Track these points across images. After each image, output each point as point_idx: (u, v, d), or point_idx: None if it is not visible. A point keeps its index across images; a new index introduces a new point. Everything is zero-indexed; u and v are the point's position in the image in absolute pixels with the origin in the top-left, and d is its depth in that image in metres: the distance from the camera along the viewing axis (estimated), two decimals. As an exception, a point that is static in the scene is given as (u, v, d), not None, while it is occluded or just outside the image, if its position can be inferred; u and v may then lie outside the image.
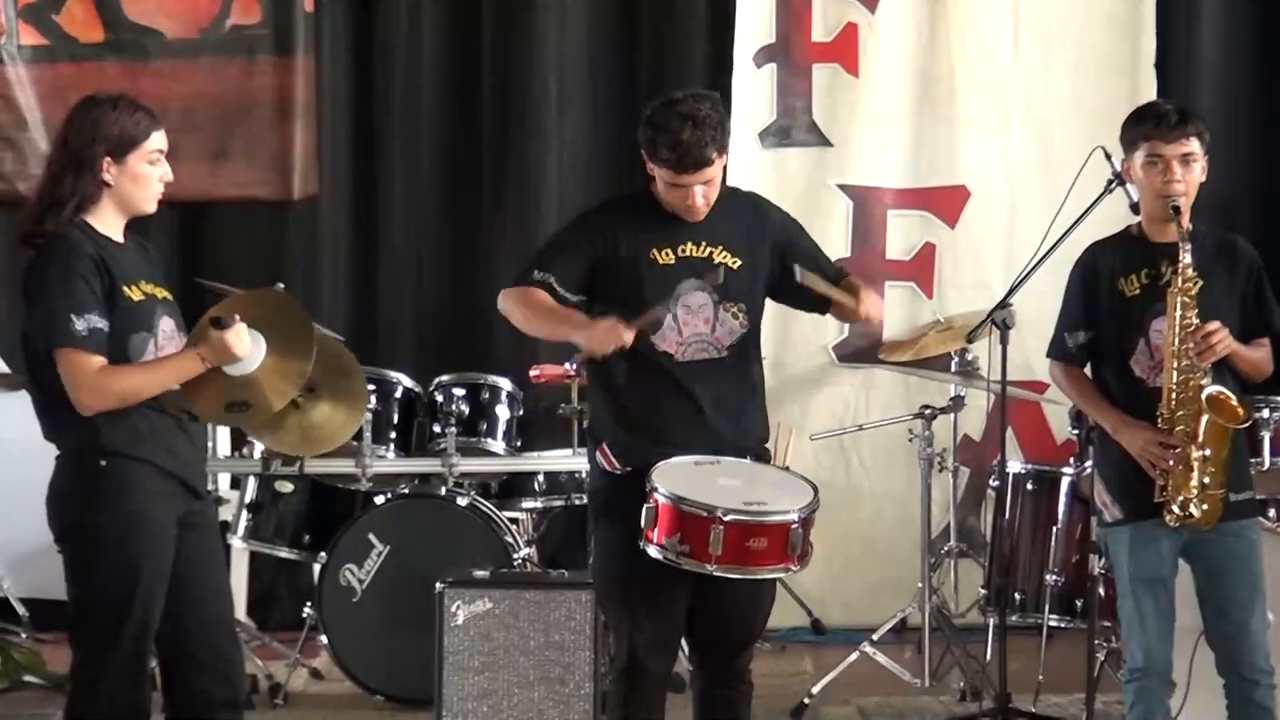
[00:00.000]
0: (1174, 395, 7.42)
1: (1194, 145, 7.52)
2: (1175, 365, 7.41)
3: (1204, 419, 7.36)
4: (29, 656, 10.48)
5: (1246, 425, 7.54)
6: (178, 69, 11.60)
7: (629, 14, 12.01)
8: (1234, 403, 7.40)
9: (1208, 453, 7.37)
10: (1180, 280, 7.39)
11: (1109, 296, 7.63)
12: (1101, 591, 9.21)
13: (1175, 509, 7.41)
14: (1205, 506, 7.40)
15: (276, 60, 11.68)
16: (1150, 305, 7.52)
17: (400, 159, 11.98)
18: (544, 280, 7.36)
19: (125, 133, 6.92)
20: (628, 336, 7.13)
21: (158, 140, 7.00)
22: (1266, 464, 9.52)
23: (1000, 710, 9.34)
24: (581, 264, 7.42)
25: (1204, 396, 7.37)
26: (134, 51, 11.62)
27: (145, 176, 6.98)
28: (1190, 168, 7.51)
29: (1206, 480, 7.38)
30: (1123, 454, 7.57)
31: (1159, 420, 7.45)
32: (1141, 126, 7.61)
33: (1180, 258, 7.39)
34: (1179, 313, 7.38)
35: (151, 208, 7.08)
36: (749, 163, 11.58)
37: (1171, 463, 7.40)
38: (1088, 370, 7.82)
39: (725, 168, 7.48)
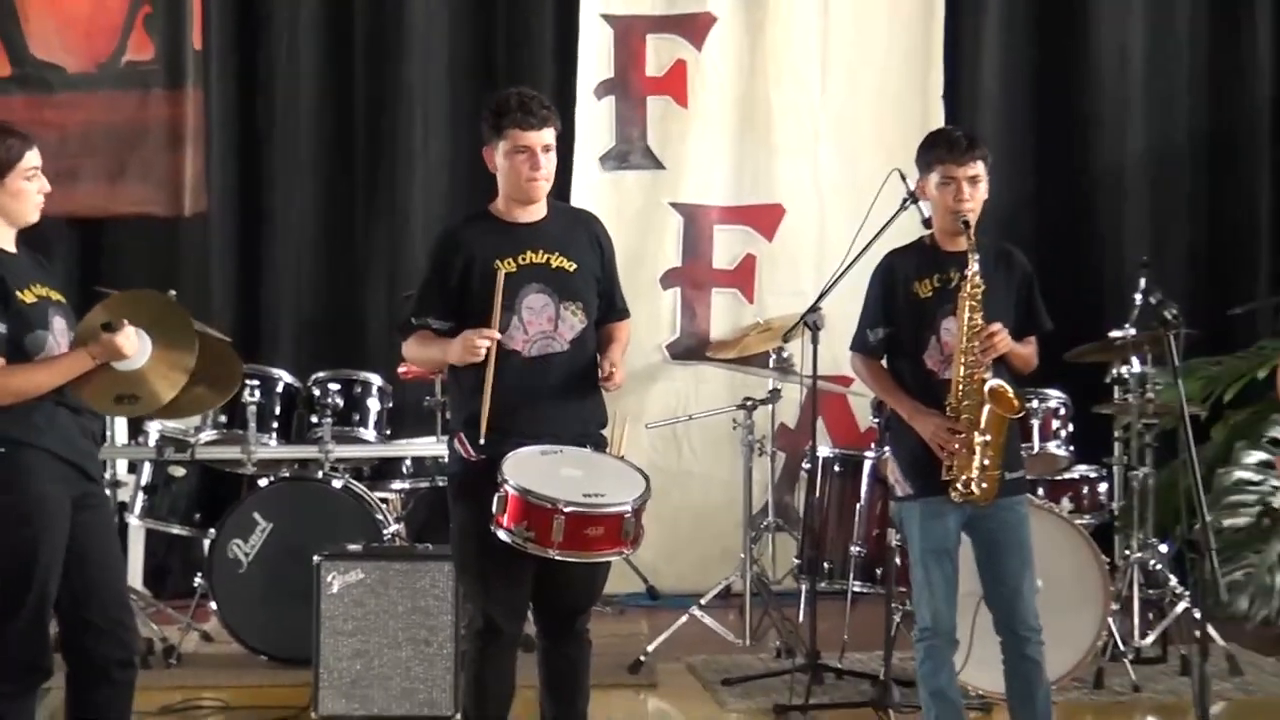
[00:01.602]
0: (961, 387, 7.50)
1: (980, 168, 7.61)
2: (962, 360, 7.49)
3: (986, 409, 7.45)
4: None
5: (1021, 415, 7.63)
6: (79, 100, 11.57)
7: (486, 48, 12.02)
8: (1011, 395, 7.51)
9: (988, 438, 7.46)
10: (969, 286, 7.47)
11: (905, 298, 7.70)
12: (898, 561, 9.28)
13: (959, 487, 7.50)
14: (985, 485, 7.49)
15: (168, 93, 11.65)
16: (941, 307, 7.59)
17: (280, 179, 11.96)
18: (422, 324, 7.50)
19: (2, 159, 6.89)
20: (480, 341, 7.21)
21: (31, 159, 6.96)
22: (1036, 448, 9.59)
23: (810, 665, 9.42)
24: (446, 293, 7.49)
25: (986, 389, 7.47)
26: (38, 85, 11.57)
27: (24, 191, 6.96)
28: (977, 187, 7.60)
29: (986, 462, 7.47)
30: (915, 438, 7.64)
31: (947, 409, 7.52)
32: (935, 151, 7.68)
33: (970, 266, 7.46)
34: (967, 314, 7.47)
35: (34, 218, 7.05)
36: (591, 184, 11.64)
37: (957, 446, 7.48)
38: (885, 363, 7.83)
39: (555, 155, 7.52)
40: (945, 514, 7.61)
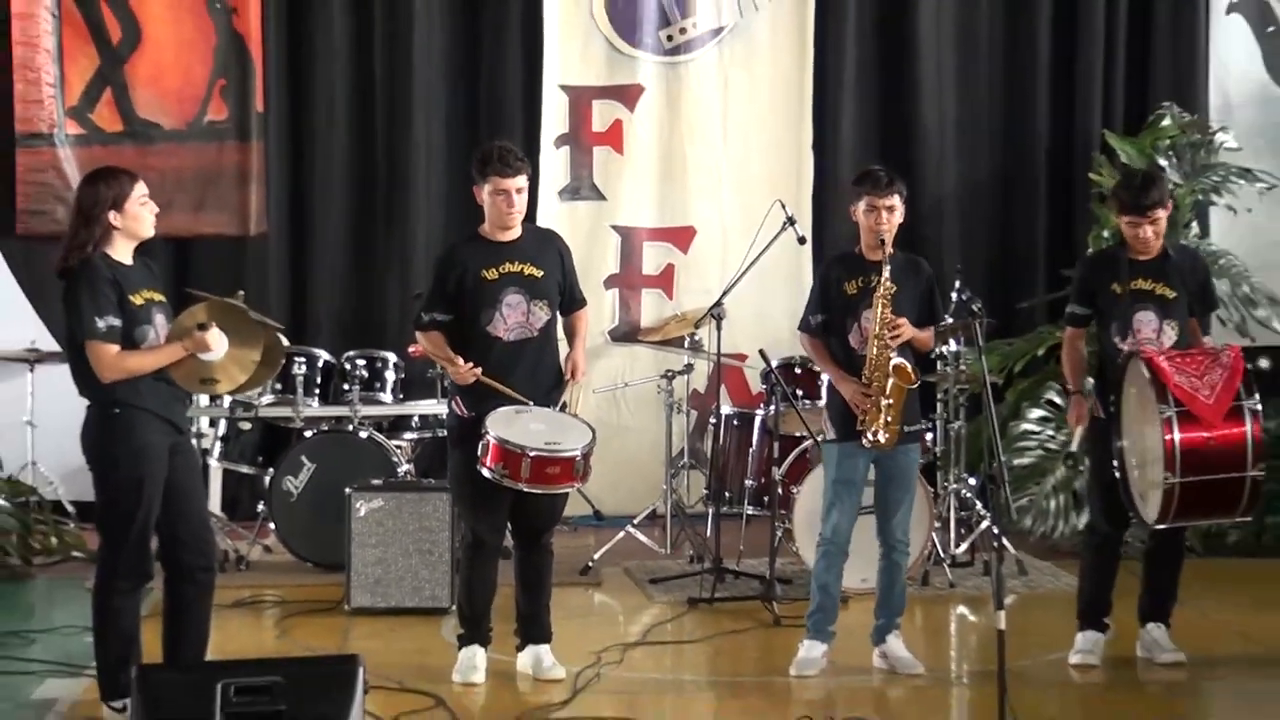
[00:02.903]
0: (873, 363, 7.67)
1: (896, 200, 7.80)
2: (876, 343, 7.67)
3: (890, 380, 7.62)
4: (75, 539, 10.43)
5: (916, 386, 7.76)
6: (172, 150, 11.52)
7: (473, 110, 11.98)
8: (910, 370, 7.71)
9: (891, 401, 7.66)
10: (883, 287, 7.66)
11: (837, 293, 7.85)
12: (780, 491, 9.35)
13: (869, 435, 7.69)
14: (887, 435, 7.68)
15: (238, 144, 11.61)
16: (862, 301, 7.76)
17: (319, 209, 11.91)
18: (430, 320, 7.69)
19: (118, 194, 6.95)
20: (466, 376, 7.52)
21: (140, 189, 7.02)
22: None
23: (715, 568, 9.51)
24: (446, 295, 7.67)
25: (892, 365, 7.68)
26: (143, 138, 11.52)
27: (139, 215, 7.00)
28: (893, 214, 7.80)
29: (889, 419, 7.66)
30: (840, 397, 7.81)
31: (863, 377, 7.70)
32: (864, 185, 7.86)
33: (884, 272, 7.63)
34: (880, 309, 7.65)
35: (150, 233, 7.09)
36: (552, 211, 11.68)
37: (868, 406, 7.65)
38: (823, 341, 7.96)
39: (526, 194, 7.71)
40: (856, 455, 7.80)
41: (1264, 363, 7.39)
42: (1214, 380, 7.39)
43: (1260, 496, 7.57)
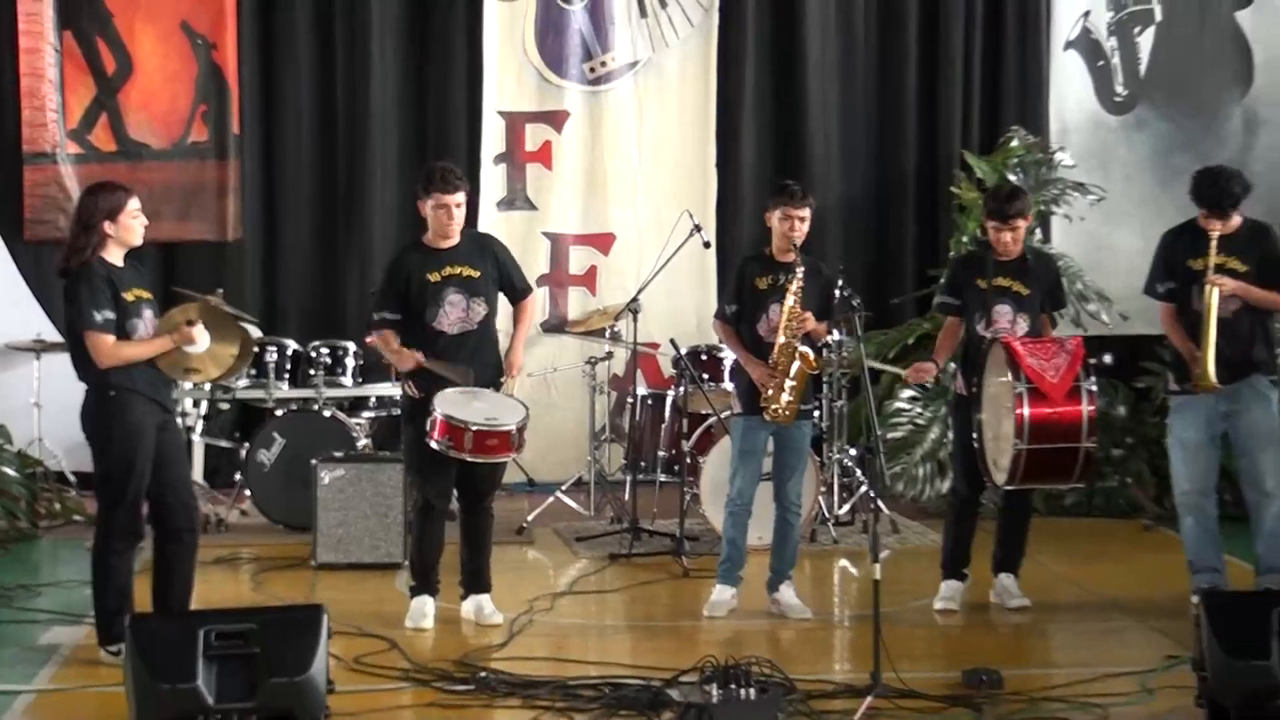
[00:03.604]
0: (780, 349, 7.71)
1: (807, 211, 7.84)
2: (784, 333, 7.71)
3: (795, 365, 7.65)
4: (76, 505, 10.37)
5: (817, 371, 7.83)
6: (159, 166, 11.40)
7: (422, 132, 11.89)
8: (812, 358, 7.77)
9: (794, 383, 7.72)
10: (793, 285, 7.72)
11: (750, 288, 7.91)
12: (688, 461, 9.36)
13: (770, 411, 7.69)
14: (787, 412, 7.76)
15: (217, 162, 11.49)
16: (771, 296, 7.82)
17: (289, 218, 11.82)
18: (382, 319, 7.70)
19: (112, 206, 6.97)
20: (408, 363, 7.55)
21: (134, 204, 7.05)
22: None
23: (632, 528, 9.55)
24: (396, 295, 7.68)
25: (798, 352, 7.67)
26: (134, 156, 11.41)
27: (130, 226, 7.03)
28: (804, 223, 7.83)
29: (790, 398, 7.72)
30: (747, 378, 7.85)
31: (770, 361, 7.73)
32: (780, 197, 7.91)
33: (794, 273, 7.70)
34: (789, 303, 7.71)
35: (139, 242, 7.13)
36: (491, 220, 11.62)
37: (773, 386, 7.69)
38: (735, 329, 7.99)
39: (464, 208, 7.75)
40: (758, 428, 7.85)
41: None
42: (1059, 364, 7.52)
43: (1092, 465, 7.73)
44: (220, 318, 7.23)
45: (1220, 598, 6.55)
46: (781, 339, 7.70)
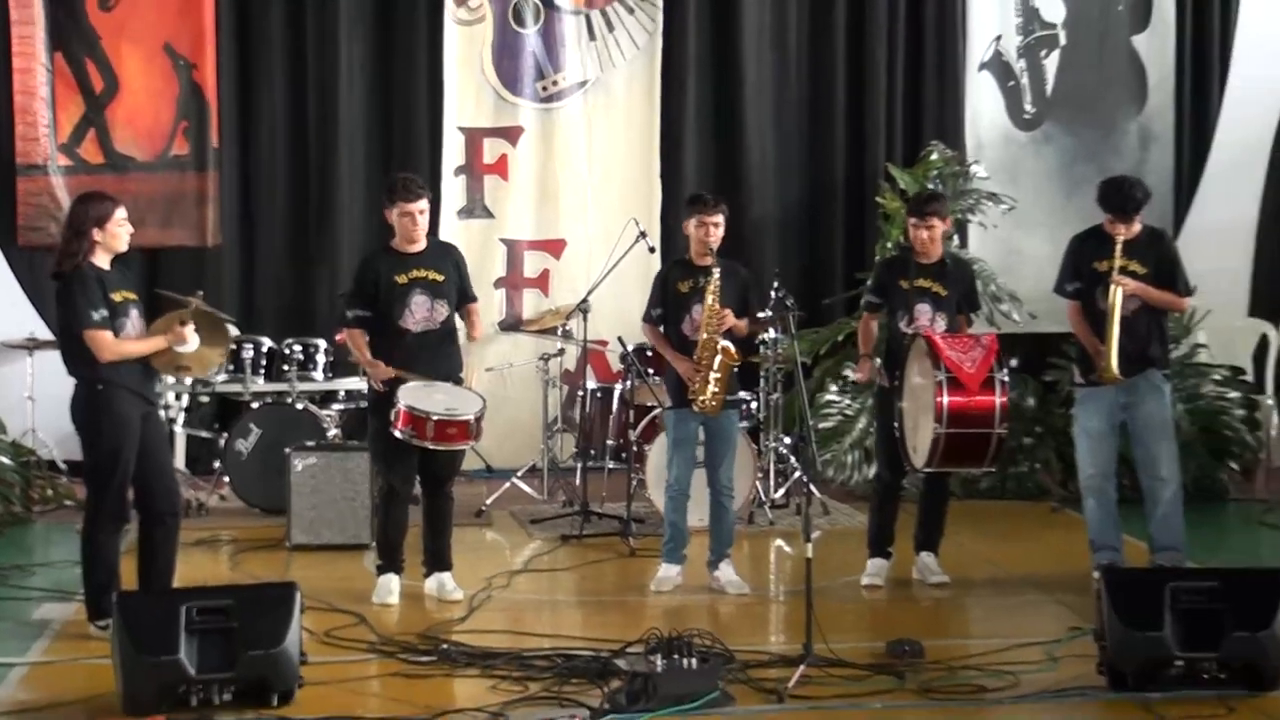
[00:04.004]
0: (704, 346, 7.71)
1: (720, 217, 7.86)
2: (706, 330, 7.71)
3: (718, 359, 7.67)
4: (67, 490, 10.29)
5: (739, 364, 7.82)
6: (144, 178, 11.31)
7: (388, 144, 11.82)
8: (734, 352, 7.78)
9: (718, 375, 7.72)
10: (711, 286, 7.72)
11: (673, 291, 7.94)
12: (635, 449, 9.36)
13: (698, 402, 7.68)
14: (713, 403, 7.75)
15: (197, 173, 11.42)
16: (694, 297, 7.82)
17: (264, 225, 11.76)
18: (354, 316, 7.67)
19: (100, 214, 6.95)
20: (384, 376, 7.51)
21: (121, 213, 7.03)
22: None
23: (582, 511, 9.54)
24: (365, 295, 7.66)
25: (719, 347, 7.69)
26: (120, 168, 11.32)
27: (117, 233, 7.01)
28: (718, 228, 7.85)
29: (715, 389, 7.71)
30: (674, 373, 7.86)
31: (695, 357, 7.73)
32: (695, 206, 7.93)
33: (712, 275, 7.69)
34: (709, 303, 7.71)
35: (124, 249, 7.11)
36: (452, 228, 11.59)
37: (699, 380, 7.65)
38: (661, 329, 8.01)
39: (428, 215, 7.76)
40: (689, 419, 7.86)
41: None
42: (975, 356, 7.58)
43: (1002, 450, 7.78)
44: (209, 321, 7.24)
45: (1119, 574, 6.63)
46: (704, 336, 7.72)
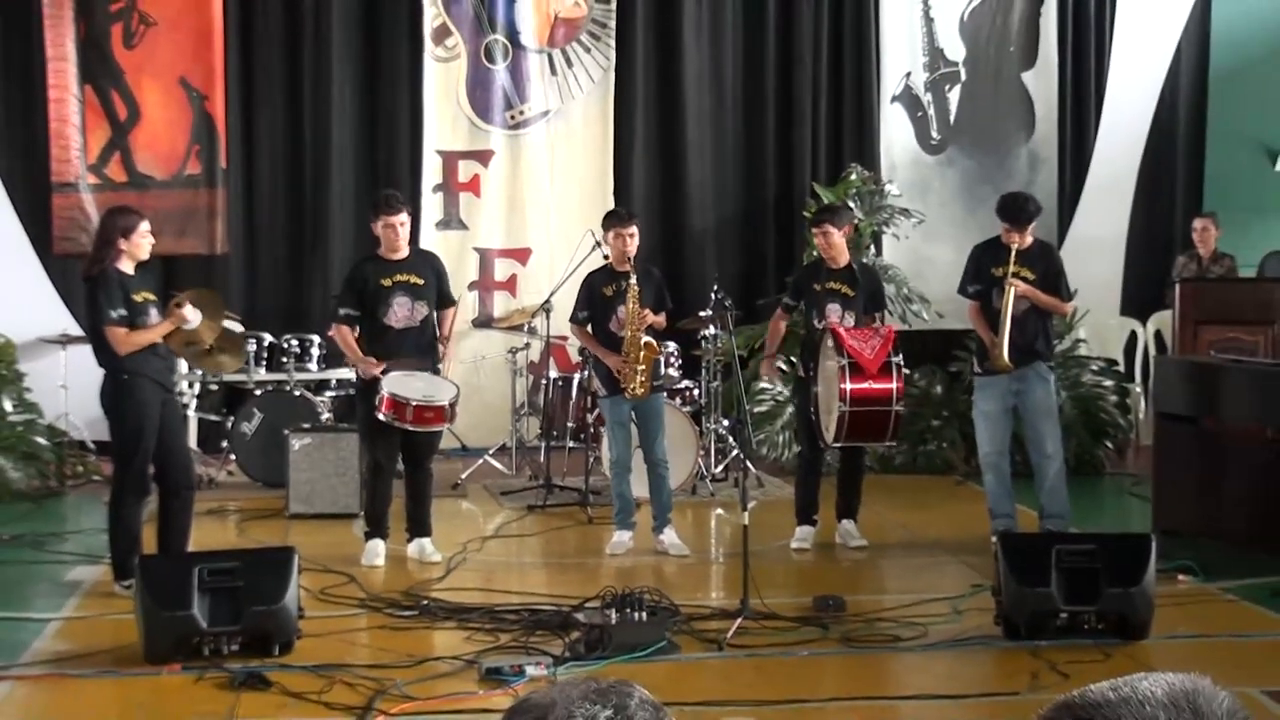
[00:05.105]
0: (629, 341, 7.69)
1: (634, 228, 7.84)
2: (631, 328, 7.68)
3: (642, 353, 7.57)
4: (95, 467, 10.21)
5: (659, 356, 7.88)
6: (162, 194, 11.20)
7: (374, 165, 11.73)
8: (656, 346, 7.75)
9: (643, 367, 7.69)
10: (631, 290, 7.68)
11: (599, 295, 7.90)
12: (591, 430, 9.34)
13: (629, 390, 7.63)
14: (641, 390, 7.73)
15: (208, 190, 11.34)
16: (616, 299, 7.80)
17: (265, 235, 11.67)
18: (345, 315, 7.64)
19: (127, 226, 6.94)
20: (373, 372, 7.47)
21: (145, 226, 7.01)
22: (663, 372, 9.61)
23: (546, 484, 9.48)
24: (355, 296, 7.65)
25: (642, 342, 7.63)
26: (141, 186, 11.19)
27: (140, 244, 6.99)
28: (634, 238, 7.81)
29: (642, 378, 7.67)
30: (605, 366, 7.84)
31: (622, 351, 7.66)
32: (611, 219, 7.97)
33: (631, 279, 7.63)
34: (631, 304, 7.69)
35: (146, 256, 7.09)
36: (431, 238, 11.48)
37: (628, 371, 7.58)
38: (589, 329, 7.97)
39: (408, 226, 7.75)
40: (622, 404, 7.83)
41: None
42: (874, 345, 7.65)
43: (900, 426, 7.83)
44: (207, 299, 7.26)
45: (1013, 539, 6.68)
46: (628, 333, 7.72)
